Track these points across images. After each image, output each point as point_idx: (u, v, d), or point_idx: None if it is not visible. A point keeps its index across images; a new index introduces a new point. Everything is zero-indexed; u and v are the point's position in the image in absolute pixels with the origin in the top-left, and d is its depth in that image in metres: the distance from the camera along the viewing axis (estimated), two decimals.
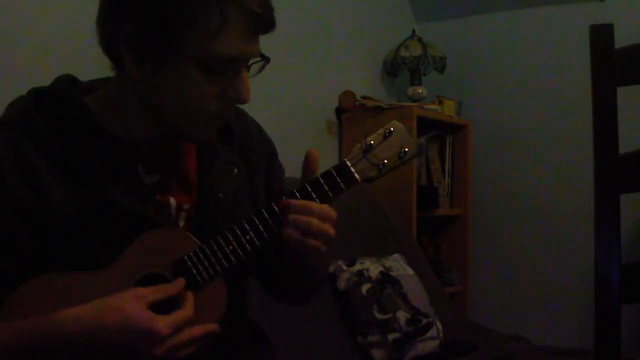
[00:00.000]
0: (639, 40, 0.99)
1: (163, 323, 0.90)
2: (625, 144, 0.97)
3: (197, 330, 0.95)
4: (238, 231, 1.00)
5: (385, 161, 1.03)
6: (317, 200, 1.01)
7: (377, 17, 3.19)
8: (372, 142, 1.03)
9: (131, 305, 0.91)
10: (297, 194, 1.01)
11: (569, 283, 2.99)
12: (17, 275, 0.96)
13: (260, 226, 1.00)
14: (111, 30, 0.97)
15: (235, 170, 1.13)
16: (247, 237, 1.00)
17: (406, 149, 1.04)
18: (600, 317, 0.96)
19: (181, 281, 0.98)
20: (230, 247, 1.00)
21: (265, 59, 1.02)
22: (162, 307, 0.94)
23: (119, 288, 0.96)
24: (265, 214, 1.00)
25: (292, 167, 1.35)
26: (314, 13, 2.78)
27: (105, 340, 0.89)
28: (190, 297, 0.97)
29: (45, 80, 1.09)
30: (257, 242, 1.00)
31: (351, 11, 3.02)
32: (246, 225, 1.00)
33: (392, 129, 1.04)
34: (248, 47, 0.98)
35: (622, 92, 0.97)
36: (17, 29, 1.74)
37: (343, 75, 2.96)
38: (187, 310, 0.95)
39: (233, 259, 1.00)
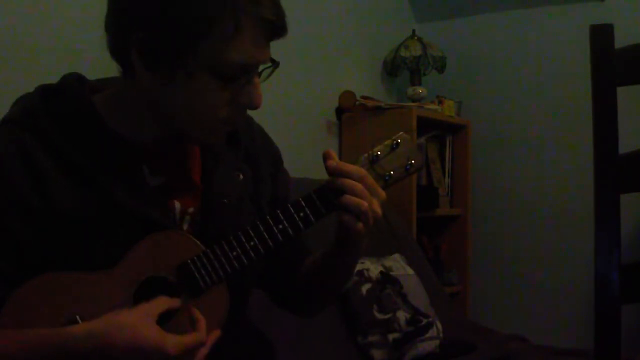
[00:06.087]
0: (639, 40, 1.00)
1: (171, 342, 0.90)
2: (625, 144, 0.97)
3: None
4: (242, 237, 0.99)
5: (392, 172, 1.02)
6: (323, 209, 1.00)
7: (377, 17, 3.18)
8: (379, 152, 1.02)
9: (141, 323, 0.91)
10: (302, 202, 1.00)
11: (569, 283, 2.99)
12: (20, 274, 0.96)
13: (264, 233, 1.00)
14: (123, 36, 0.96)
15: (241, 176, 1.12)
16: (252, 243, 0.99)
17: (412, 161, 1.03)
18: (600, 317, 0.96)
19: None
20: (234, 253, 0.99)
21: (275, 64, 1.02)
22: (174, 326, 0.94)
23: (122, 290, 0.96)
24: (270, 221, 1.00)
25: (292, 167, 1.35)
26: (314, 13, 2.77)
27: (116, 357, 0.89)
28: (202, 322, 0.96)
29: (46, 80, 1.08)
30: (261, 250, 1.00)
31: (351, 11, 3.01)
32: (251, 232, 1.00)
33: (399, 140, 1.02)
34: (260, 53, 0.98)
35: (622, 92, 0.97)
36: (17, 29, 1.74)
37: (343, 75, 2.96)
38: (200, 335, 0.95)
39: (237, 265, 0.99)
